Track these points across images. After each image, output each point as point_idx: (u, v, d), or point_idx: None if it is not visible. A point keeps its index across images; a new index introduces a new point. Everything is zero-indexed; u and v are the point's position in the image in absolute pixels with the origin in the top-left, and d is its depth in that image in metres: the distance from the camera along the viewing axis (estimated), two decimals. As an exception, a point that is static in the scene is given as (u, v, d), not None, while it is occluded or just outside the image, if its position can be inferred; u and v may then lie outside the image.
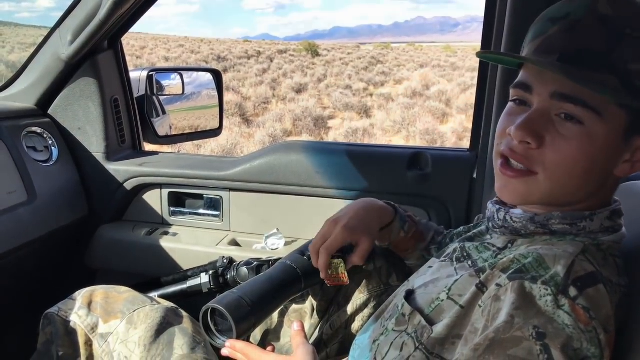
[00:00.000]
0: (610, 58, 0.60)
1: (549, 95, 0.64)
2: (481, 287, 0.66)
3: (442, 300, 0.71)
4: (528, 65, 0.68)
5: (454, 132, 9.21)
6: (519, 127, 0.65)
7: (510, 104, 0.71)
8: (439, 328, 0.68)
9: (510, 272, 0.62)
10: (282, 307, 1.12)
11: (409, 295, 0.79)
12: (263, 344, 1.16)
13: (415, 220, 1.04)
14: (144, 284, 1.39)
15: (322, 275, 0.96)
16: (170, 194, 1.60)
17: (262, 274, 1.06)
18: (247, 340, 0.94)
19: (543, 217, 0.69)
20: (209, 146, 7.26)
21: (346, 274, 0.97)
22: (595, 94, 0.60)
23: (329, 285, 0.99)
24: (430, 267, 0.84)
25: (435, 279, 0.78)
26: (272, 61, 27.35)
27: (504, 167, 0.69)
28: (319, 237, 0.97)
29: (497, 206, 0.76)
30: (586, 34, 0.62)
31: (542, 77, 0.65)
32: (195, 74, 2.10)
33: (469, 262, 0.76)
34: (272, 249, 1.46)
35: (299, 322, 0.91)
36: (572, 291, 0.58)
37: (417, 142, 8.52)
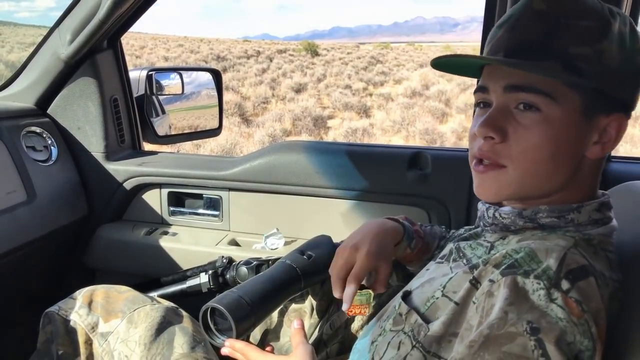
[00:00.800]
0: (550, 46, 0.64)
1: (503, 90, 0.68)
2: (475, 283, 0.67)
3: (437, 298, 0.72)
4: (483, 70, 0.73)
5: (453, 131, 9.21)
6: (481, 125, 0.68)
7: (476, 109, 0.75)
8: (435, 326, 0.69)
9: (503, 267, 0.63)
10: (281, 306, 1.12)
11: (406, 296, 0.79)
12: (262, 343, 1.16)
13: (422, 234, 1.00)
14: (143, 284, 1.39)
15: (345, 307, 0.86)
16: (169, 193, 1.60)
17: (261, 273, 1.06)
18: (247, 339, 0.95)
19: (530, 211, 0.70)
20: (209, 146, 7.26)
21: (371, 305, 0.90)
22: (541, 77, 0.64)
23: (348, 316, 0.93)
24: (428, 269, 0.85)
25: (431, 279, 0.78)
26: (271, 61, 27.35)
27: (476, 165, 0.72)
28: (341, 264, 0.88)
29: (487, 205, 0.77)
30: (525, 29, 0.66)
31: (493, 76, 0.70)
32: (194, 73, 2.10)
33: (464, 261, 0.76)
34: (271, 249, 1.46)
35: (299, 320, 0.91)
36: (565, 284, 0.58)
37: (416, 141, 8.52)
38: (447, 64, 0.74)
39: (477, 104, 0.74)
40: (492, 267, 0.65)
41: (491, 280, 0.63)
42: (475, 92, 0.73)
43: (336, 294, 0.88)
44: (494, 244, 0.74)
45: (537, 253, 0.62)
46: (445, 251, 0.85)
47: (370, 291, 0.89)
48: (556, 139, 0.65)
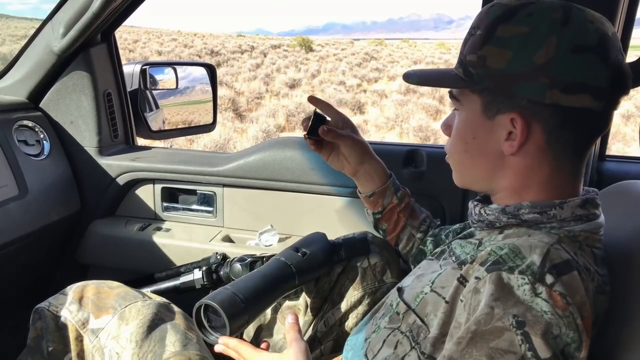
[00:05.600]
0: (461, 56, 0.74)
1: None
2: (462, 281, 0.68)
3: (426, 293, 0.73)
4: None
5: (447, 129, 9.21)
6: (441, 124, 0.83)
7: None
8: (432, 328, 0.69)
9: (488, 264, 0.64)
10: (275, 303, 1.11)
11: (400, 293, 0.81)
12: (256, 340, 1.15)
13: (409, 194, 1.11)
14: (136, 280, 1.39)
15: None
16: (163, 189, 1.59)
17: (255, 270, 1.05)
18: (240, 336, 0.94)
19: (513, 207, 0.71)
20: (202, 141, 7.23)
21: None
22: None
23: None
24: (419, 267, 0.86)
25: (421, 275, 0.80)
26: (265, 56, 27.27)
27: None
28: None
29: (474, 202, 0.80)
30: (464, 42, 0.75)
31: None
32: (189, 68, 2.09)
33: (453, 258, 0.78)
34: (265, 246, 1.45)
35: (293, 314, 0.91)
36: (549, 278, 0.59)
37: (410, 138, 8.53)
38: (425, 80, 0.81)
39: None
40: (477, 264, 0.66)
41: (477, 278, 0.64)
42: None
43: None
44: (482, 240, 0.76)
45: (521, 249, 0.63)
46: (438, 250, 0.87)
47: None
48: (464, 135, 0.76)
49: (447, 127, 0.81)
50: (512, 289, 0.59)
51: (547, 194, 0.71)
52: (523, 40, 0.66)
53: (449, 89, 0.76)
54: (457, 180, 0.82)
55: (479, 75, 0.70)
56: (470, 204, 0.80)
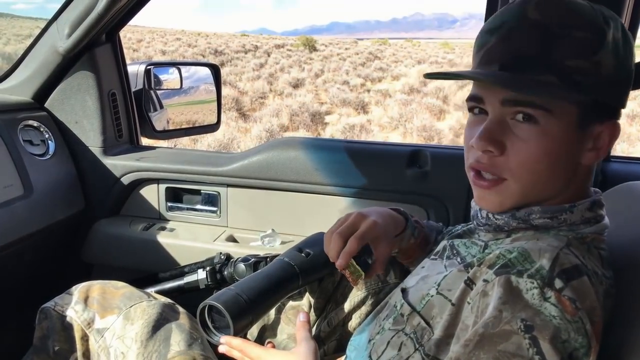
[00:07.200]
0: (547, 59, 0.63)
1: (500, 103, 0.67)
2: (469, 284, 0.67)
3: (432, 296, 0.72)
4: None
5: (450, 128, 9.21)
6: (479, 138, 0.67)
7: (469, 115, 0.74)
8: (437, 330, 0.69)
9: (497, 267, 0.63)
10: (279, 303, 1.12)
11: (404, 294, 0.80)
12: (260, 340, 1.16)
13: (422, 224, 1.00)
14: (140, 280, 1.39)
15: (340, 265, 0.81)
16: (167, 189, 1.59)
17: (259, 270, 1.06)
18: (244, 336, 0.94)
19: (524, 212, 0.70)
20: (206, 140, 7.24)
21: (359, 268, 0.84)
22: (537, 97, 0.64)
23: (349, 281, 0.84)
24: (423, 267, 0.85)
25: (426, 276, 0.79)
26: (269, 56, 27.28)
27: (477, 178, 0.71)
28: (347, 224, 0.84)
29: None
30: (520, 40, 0.65)
31: (489, 87, 0.68)
32: (193, 68, 2.09)
33: (458, 259, 0.77)
34: (268, 247, 1.45)
35: (305, 313, 0.91)
36: (558, 283, 0.59)
37: (414, 138, 8.52)
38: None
39: (470, 110, 0.73)
40: (486, 267, 0.66)
41: (485, 280, 0.63)
42: (468, 99, 0.72)
43: (330, 251, 0.83)
44: (488, 243, 0.75)
45: (530, 253, 0.63)
46: (439, 247, 0.85)
47: (362, 271, 0.84)
48: (553, 151, 0.66)
49: (498, 144, 0.67)
50: (520, 292, 0.59)
51: (570, 197, 0.70)
52: (623, 44, 0.65)
53: (524, 99, 0.65)
54: (509, 201, 0.70)
55: (590, 83, 0.63)
56: (474, 205, 0.78)
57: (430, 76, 0.71)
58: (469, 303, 0.65)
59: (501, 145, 0.67)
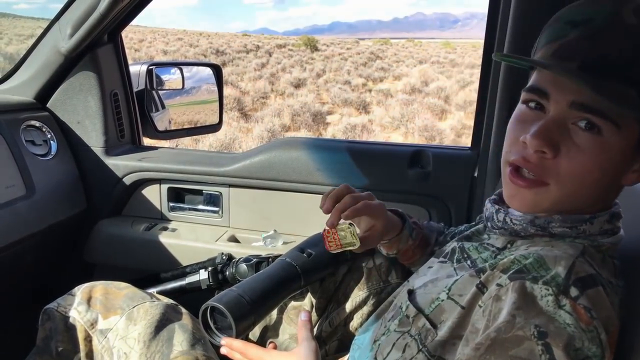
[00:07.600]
0: (632, 70, 0.59)
1: (567, 104, 0.62)
2: (481, 288, 0.66)
3: (442, 300, 0.71)
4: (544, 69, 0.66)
5: (452, 129, 9.21)
6: (535, 136, 0.63)
7: (522, 107, 0.68)
8: (442, 331, 0.68)
9: (511, 272, 0.62)
10: (281, 304, 1.12)
11: (410, 296, 0.78)
12: (262, 340, 1.15)
13: (420, 225, 1.00)
14: (142, 280, 1.39)
15: (330, 222, 0.82)
16: (169, 189, 1.59)
17: (261, 271, 1.06)
18: (246, 337, 0.94)
19: (543, 220, 0.69)
20: (207, 140, 7.25)
21: (358, 237, 0.85)
22: (615, 107, 0.59)
23: (331, 251, 0.84)
24: (430, 267, 0.84)
25: (435, 279, 0.77)
26: (270, 56, 27.30)
27: (514, 175, 0.67)
28: (350, 195, 0.85)
29: (496, 206, 0.75)
30: (610, 43, 0.60)
31: (560, 84, 0.63)
32: (195, 68, 2.09)
33: (469, 262, 0.76)
34: (270, 247, 1.45)
35: (307, 312, 0.90)
36: (573, 291, 0.58)
37: (415, 138, 8.51)
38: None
39: (524, 102, 0.68)
40: (499, 272, 0.65)
41: (499, 285, 0.62)
42: (529, 90, 0.67)
43: (326, 206, 0.84)
44: (501, 248, 0.74)
45: (546, 260, 0.62)
46: (448, 249, 0.84)
47: (357, 229, 0.87)
48: (605, 167, 0.63)
49: (554, 147, 0.63)
50: (535, 298, 0.58)
51: (593, 208, 0.69)
52: None
53: (595, 106, 0.60)
54: (544, 204, 0.67)
55: None
56: (490, 206, 0.76)
57: (502, 58, 0.67)
58: (480, 306, 0.64)
59: (556, 149, 0.63)
